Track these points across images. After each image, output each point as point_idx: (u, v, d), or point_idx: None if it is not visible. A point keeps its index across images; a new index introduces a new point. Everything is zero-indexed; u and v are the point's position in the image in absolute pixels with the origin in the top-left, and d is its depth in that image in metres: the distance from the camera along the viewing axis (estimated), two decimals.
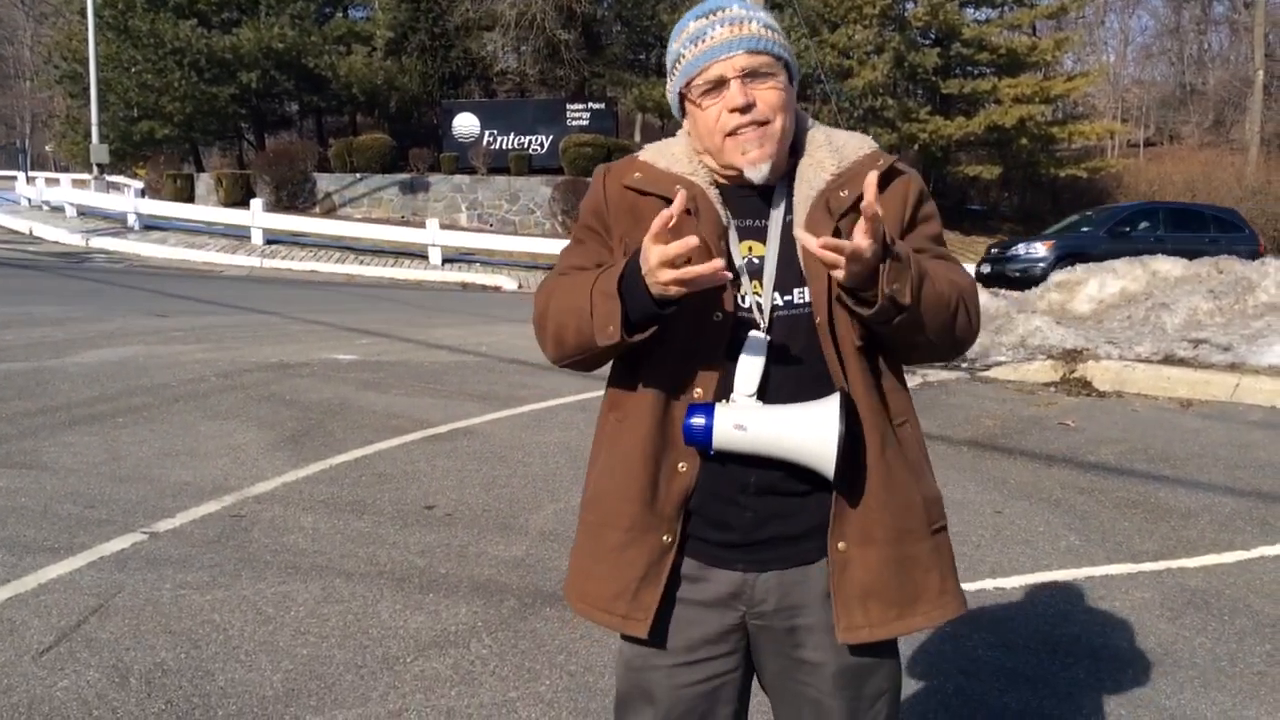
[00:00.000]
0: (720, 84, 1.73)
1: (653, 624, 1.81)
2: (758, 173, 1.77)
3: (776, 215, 1.80)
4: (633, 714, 1.91)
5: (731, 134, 1.74)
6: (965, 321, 1.79)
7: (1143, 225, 20.19)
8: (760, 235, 1.79)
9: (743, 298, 1.76)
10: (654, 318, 1.68)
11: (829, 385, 1.72)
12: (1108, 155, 43.03)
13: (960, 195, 37.95)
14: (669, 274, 1.60)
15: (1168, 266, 11.56)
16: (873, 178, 1.59)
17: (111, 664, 3.42)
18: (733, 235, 1.79)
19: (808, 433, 1.66)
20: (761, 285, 1.76)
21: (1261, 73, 44.67)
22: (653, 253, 1.61)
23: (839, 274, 1.62)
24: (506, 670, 3.52)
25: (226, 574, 4.23)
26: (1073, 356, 9.11)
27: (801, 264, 1.75)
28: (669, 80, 1.83)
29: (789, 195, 1.81)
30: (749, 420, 1.68)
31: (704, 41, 1.75)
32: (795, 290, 1.76)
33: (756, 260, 1.78)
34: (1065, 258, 18.13)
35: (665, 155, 1.87)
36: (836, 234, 1.72)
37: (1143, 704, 3.45)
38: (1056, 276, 12.34)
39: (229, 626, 3.75)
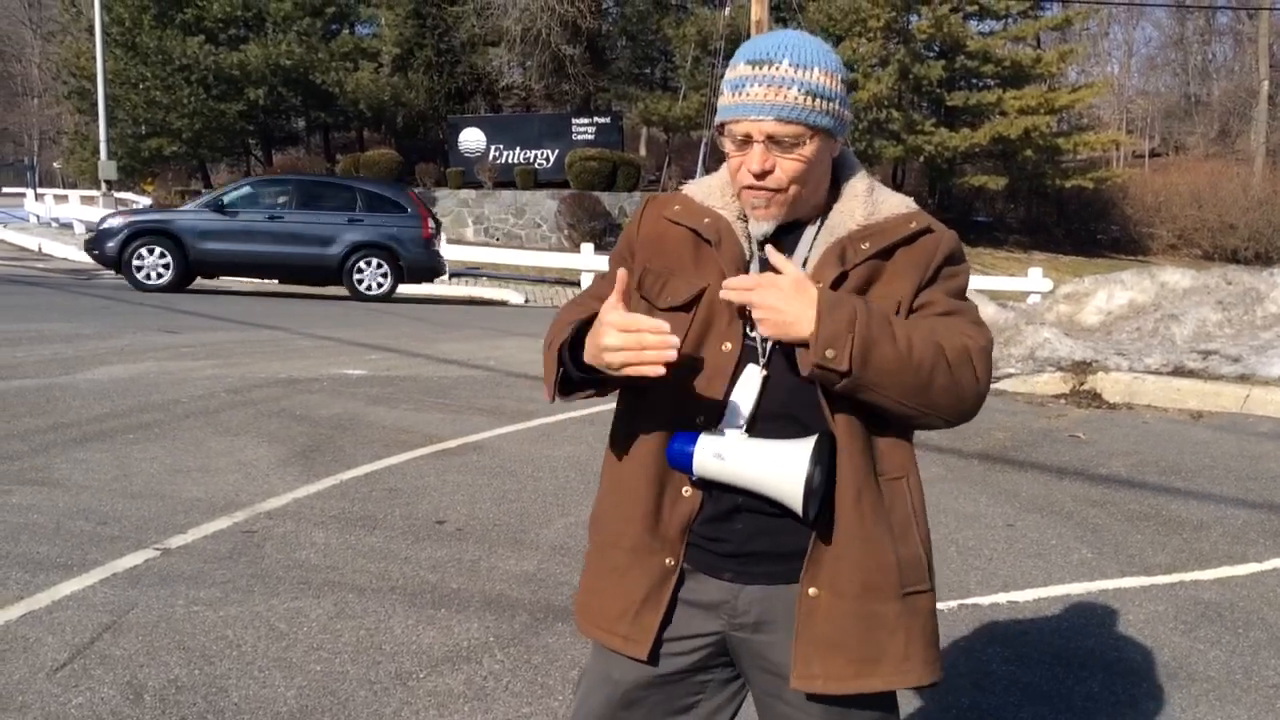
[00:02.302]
0: (748, 140, 1.73)
1: (652, 647, 1.81)
2: (759, 229, 1.80)
3: (801, 252, 1.80)
4: (592, 692, 1.92)
5: (748, 188, 1.76)
6: (947, 383, 1.70)
7: (268, 199, 17.63)
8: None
9: (751, 327, 1.77)
10: (588, 383, 1.75)
11: (820, 426, 1.71)
12: (1113, 166, 42.99)
13: (966, 207, 38.01)
14: (617, 358, 1.63)
15: (1176, 278, 11.55)
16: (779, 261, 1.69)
17: (126, 681, 3.42)
18: (755, 268, 1.80)
19: (778, 469, 1.67)
20: None
21: (1266, 83, 44.75)
22: (605, 331, 1.64)
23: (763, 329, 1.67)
24: (520, 686, 3.52)
25: (239, 590, 4.23)
26: (1082, 368, 9.10)
27: None
28: (718, 100, 1.83)
29: (821, 238, 1.82)
30: (728, 451, 1.70)
31: (741, 94, 1.72)
32: None
33: None
34: (140, 234, 16.58)
35: (704, 189, 1.90)
36: (843, 277, 1.74)
37: (1158, 718, 3.44)
38: (1065, 288, 12.30)
39: (242, 643, 3.75)
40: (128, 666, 3.52)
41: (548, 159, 28.92)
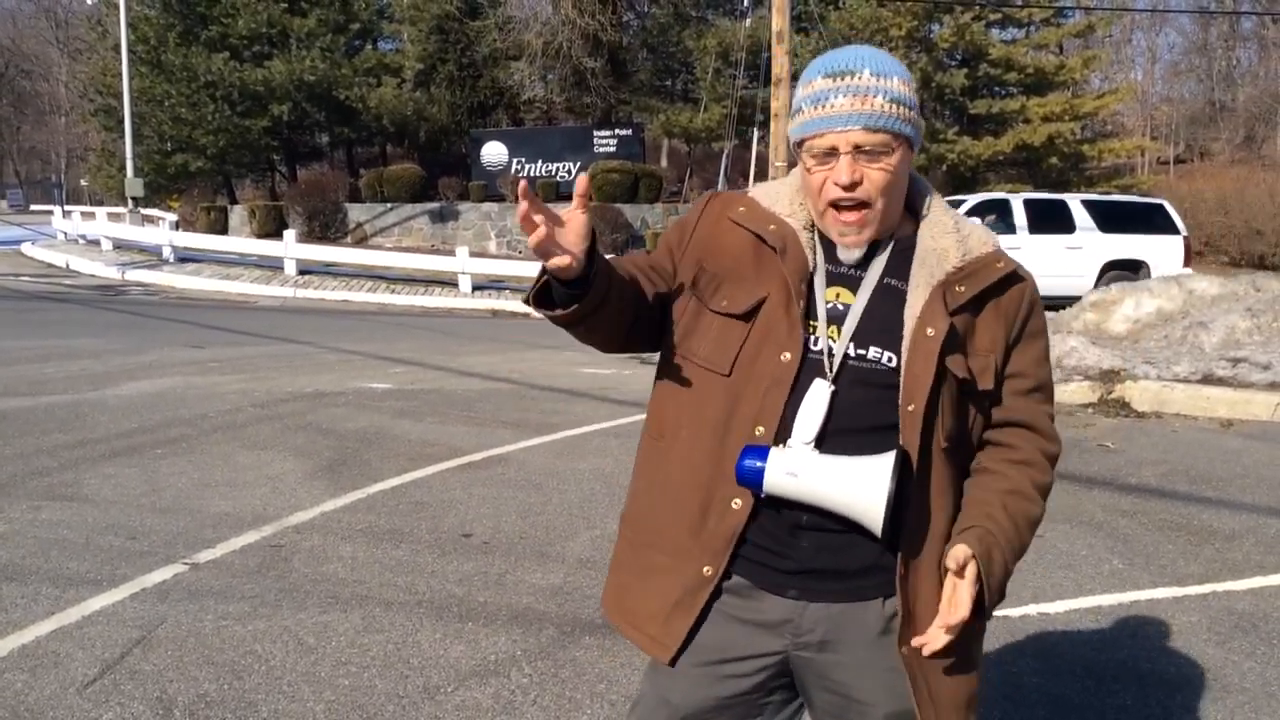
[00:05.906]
0: (832, 154, 1.70)
1: (677, 652, 1.80)
2: (849, 255, 1.77)
3: (875, 269, 1.77)
4: (647, 715, 1.91)
5: (834, 205, 1.72)
6: (1040, 514, 1.90)
7: None
8: (852, 284, 1.77)
9: (815, 341, 1.73)
10: (569, 297, 1.68)
11: (892, 443, 1.69)
12: (1138, 173, 42.71)
13: None
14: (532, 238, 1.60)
15: (1204, 285, 11.45)
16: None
17: (156, 696, 3.43)
18: (819, 279, 1.77)
19: (858, 487, 1.64)
20: (839, 332, 1.73)
21: None
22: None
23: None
24: (547, 700, 3.51)
25: (267, 604, 4.25)
26: (1110, 377, 9.03)
27: (906, 340, 1.71)
28: (790, 120, 1.79)
29: (899, 259, 1.78)
30: (802, 468, 1.66)
31: (824, 107, 1.69)
32: (874, 347, 1.72)
33: (841, 307, 1.75)
34: None
35: (770, 195, 1.86)
36: (952, 330, 1.72)
37: None
38: (1091, 296, 12.23)
39: (271, 657, 3.76)
40: (157, 682, 3.54)
41: (569, 171, 29.01)
